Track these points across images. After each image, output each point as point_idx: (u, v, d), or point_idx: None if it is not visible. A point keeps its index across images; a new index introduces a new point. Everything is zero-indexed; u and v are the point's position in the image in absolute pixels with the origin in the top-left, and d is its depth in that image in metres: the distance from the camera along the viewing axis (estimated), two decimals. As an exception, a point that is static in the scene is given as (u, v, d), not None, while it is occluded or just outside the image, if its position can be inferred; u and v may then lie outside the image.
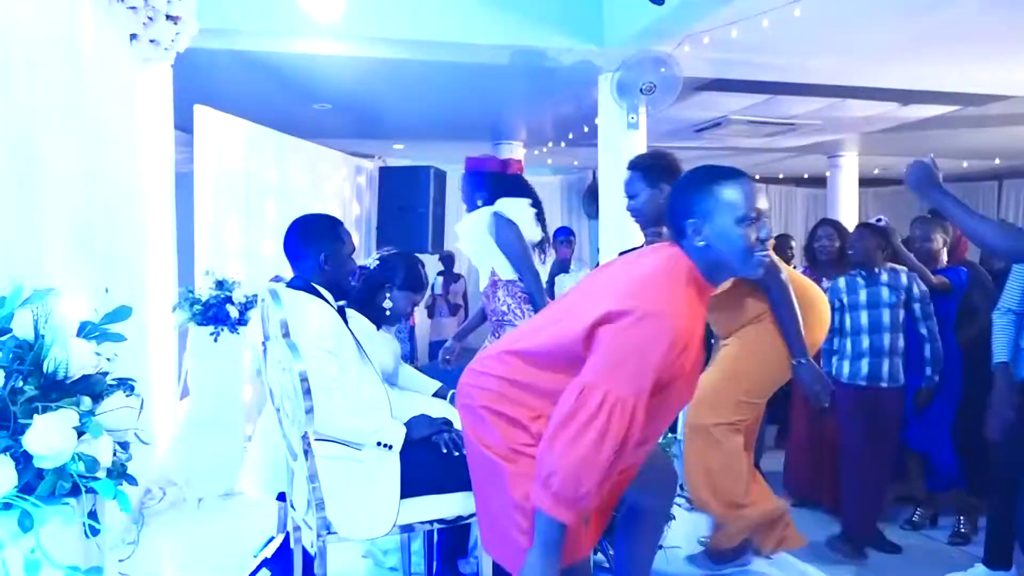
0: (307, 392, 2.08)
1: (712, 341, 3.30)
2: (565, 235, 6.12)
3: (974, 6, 4.55)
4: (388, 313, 2.83)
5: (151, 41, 3.45)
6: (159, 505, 3.67)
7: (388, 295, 2.83)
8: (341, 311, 2.48)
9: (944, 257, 3.86)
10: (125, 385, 1.56)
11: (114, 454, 1.44)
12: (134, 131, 3.56)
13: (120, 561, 2.97)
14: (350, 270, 2.52)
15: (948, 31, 4.99)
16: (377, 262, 2.95)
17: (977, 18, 4.74)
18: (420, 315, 7.93)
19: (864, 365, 3.53)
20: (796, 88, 6.05)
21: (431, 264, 8.37)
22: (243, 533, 3.26)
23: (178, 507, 3.76)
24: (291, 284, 2.44)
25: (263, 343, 2.35)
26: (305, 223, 2.51)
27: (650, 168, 2.95)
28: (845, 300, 3.62)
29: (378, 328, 2.80)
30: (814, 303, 2.92)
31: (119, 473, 1.44)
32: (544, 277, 3.71)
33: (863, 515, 3.48)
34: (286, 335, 2.14)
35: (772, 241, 4.36)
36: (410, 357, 7.29)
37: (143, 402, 1.60)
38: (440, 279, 8.43)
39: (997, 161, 9.79)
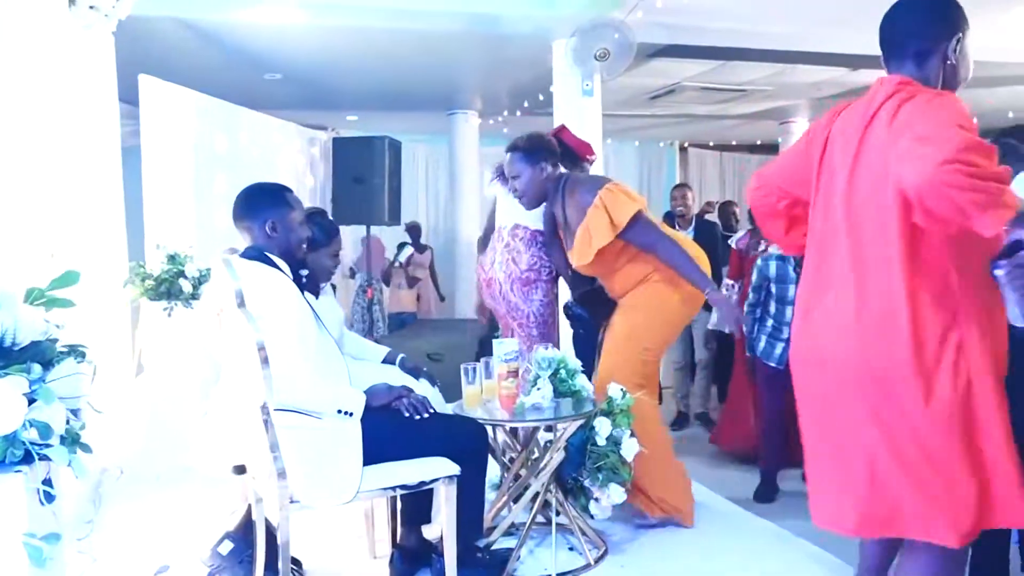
0: (265, 361, 2.07)
1: None
2: None
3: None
4: (305, 281, 2.75)
5: (90, 7, 3.33)
6: (116, 483, 3.62)
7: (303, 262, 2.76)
8: (297, 281, 2.45)
9: None
10: (76, 352, 1.52)
11: (67, 421, 1.41)
12: (76, 101, 3.45)
13: (78, 540, 2.93)
14: (301, 237, 2.47)
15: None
16: None
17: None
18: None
19: (779, 349, 3.79)
20: (747, 54, 6.10)
21: (394, 234, 8.31)
22: (203, 508, 3.24)
23: (136, 485, 3.71)
24: (245, 254, 2.40)
25: (218, 314, 2.32)
26: (251, 191, 2.45)
27: (530, 148, 3.02)
28: (774, 290, 3.87)
29: (316, 297, 2.76)
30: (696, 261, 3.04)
31: (73, 440, 1.42)
32: None
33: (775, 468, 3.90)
34: (241, 305, 2.11)
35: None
36: (369, 331, 7.25)
37: (96, 368, 1.57)
38: (409, 249, 8.34)
39: (943, 126, 10.02)
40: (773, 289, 3.85)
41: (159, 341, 3.93)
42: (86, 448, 1.47)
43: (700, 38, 5.64)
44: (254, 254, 2.38)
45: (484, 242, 3.80)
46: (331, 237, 2.85)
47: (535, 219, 3.34)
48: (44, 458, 1.36)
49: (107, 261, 3.77)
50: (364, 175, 6.11)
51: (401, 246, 8.21)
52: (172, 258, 3.87)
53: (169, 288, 3.79)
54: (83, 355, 1.56)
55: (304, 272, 2.70)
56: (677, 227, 5.22)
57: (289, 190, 2.50)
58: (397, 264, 8.09)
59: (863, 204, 1.72)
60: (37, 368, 1.40)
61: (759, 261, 3.94)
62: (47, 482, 1.40)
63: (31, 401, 1.37)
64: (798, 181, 1.93)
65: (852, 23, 5.63)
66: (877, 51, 5.94)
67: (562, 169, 3.14)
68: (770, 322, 3.86)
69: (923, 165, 1.47)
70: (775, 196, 2.01)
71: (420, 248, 8.55)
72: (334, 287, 2.92)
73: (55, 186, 3.19)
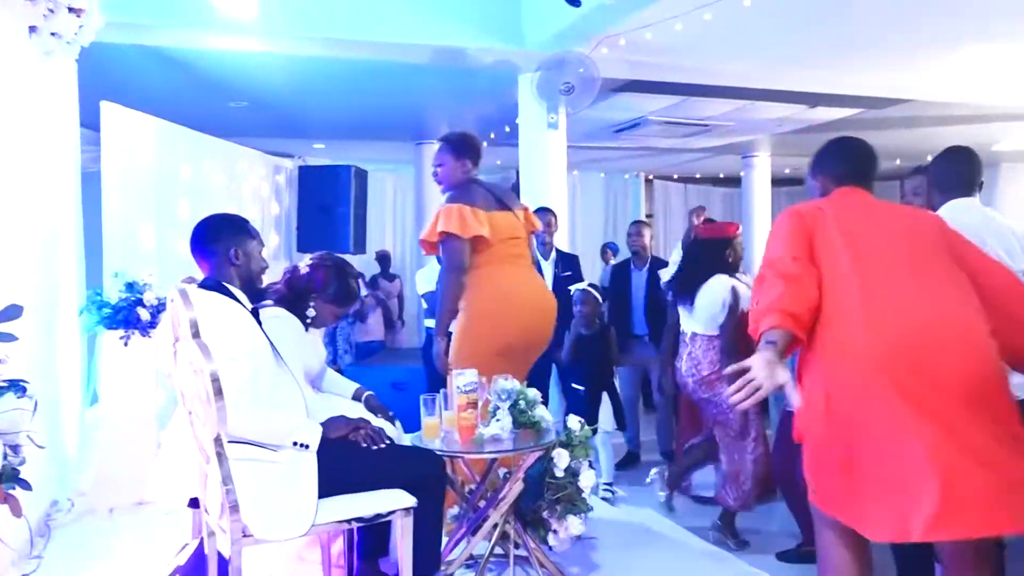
0: (219, 393, 2.05)
1: None
2: None
3: (874, 17, 4.80)
4: (309, 321, 2.78)
5: (52, 34, 3.31)
6: (67, 516, 3.53)
7: (311, 304, 2.78)
8: (255, 312, 2.44)
9: None
10: (16, 386, 1.49)
11: (4, 457, 1.38)
12: (36, 127, 3.41)
13: (24, 576, 2.85)
14: (263, 267, 2.49)
15: (851, 39, 5.24)
16: (308, 268, 2.87)
17: (877, 28, 4.99)
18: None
19: None
20: (709, 90, 6.23)
21: (359, 263, 8.29)
22: (156, 542, 3.17)
23: (88, 518, 3.62)
24: (203, 284, 2.39)
25: (173, 344, 2.29)
26: (211, 221, 2.48)
27: (458, 144, 3.40)
28: None
29: (307, 330, 2.76)
30: (508, 299, 3.30)
31: (10, 477, 1.38)
32: None
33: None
34: (196, 335, 2.09)
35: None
36: (333, 360, 7.19)
37: (36, 404, 1.54)
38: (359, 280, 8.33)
39: (898, 162, 10.28)
40: None
41: (115, 370, 3.86)
42: (25, 485, 1.44)
43: (663, 74, 5.76)
44: (212, 284, 2.37)
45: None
46: (348, 302, 2.93)
47: (707, 325, 3.63)
48: (-22, 495, 1.33)
49: (63, 289, 3.71)
50: (329, 204, 6.12)
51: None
52: (130, 286, 3.81)
53: (126, 316, 3.73)
54: (23, 389, 1.53)
55: (310, 315, 2.74)
56: (633, 267, 5.22)
57: (248, 221, 2.52)
58: (363, 295, 8.08)
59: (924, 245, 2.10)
60: (-25, 403, 1.38)
61: None
62: (-19, 520, 1.36)
63: (-32, 437, 1.34)
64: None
65: (809, 63, 5.82)
66: (833, 90, 6.11)
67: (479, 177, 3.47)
68: None
69: None
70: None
71: (389, 277, 8.58)
72: None
73: (11, 211, 3.15)
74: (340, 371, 5.21)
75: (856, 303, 1.98)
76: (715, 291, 3.60)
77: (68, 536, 3.37)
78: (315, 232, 6.16)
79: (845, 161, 2.36)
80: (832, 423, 1.96)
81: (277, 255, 6.14)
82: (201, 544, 2.47)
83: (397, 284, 8.64)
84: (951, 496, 1.77)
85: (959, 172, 2.75)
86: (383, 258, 8.66)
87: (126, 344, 3.76)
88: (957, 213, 2.59)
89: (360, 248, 6.57)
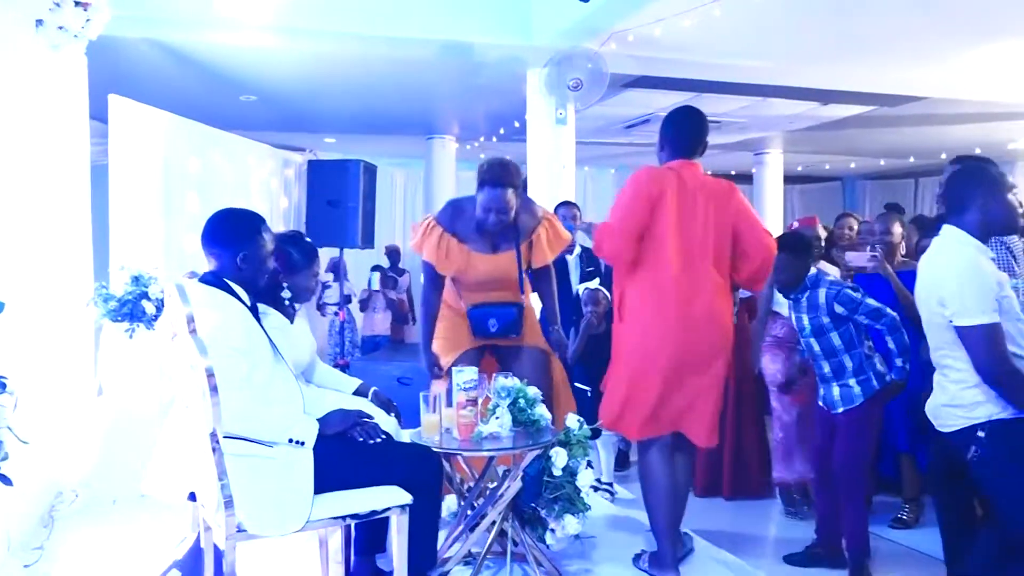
0: (214, 389, 2.05)
1: None
2: None
3: (886, 13, 4.74)
4: (288, 303, 2.73)
5: (59, 28, 3.33)
6: (72, 507, 3.56)
7: (284, 285, 2.73)
8: (254, 308, 2.44)
9: (903, 249, 3.80)
10: (-4, 382, 1.50)
11: (-17, 453, 1.38)
12: (45, 120, 3.43)
13: (25, 567, 2.88)
14: (268, 271, 2.46)
15: (862, 35, 5.18)
16: None
17: (891, 22, 4.93)
18: (353, 311, 7.85)
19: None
20: (720, 86, 6.19)
21: (368, 258, 8.31)
22: (157, 534, 3.19)
23: (92, 509, 3.65)
24: (203, 279, 2.38)
25: (172, 338, 2.29)
26: (227, 218, 2.42)
27: (523, 183, 3.39)
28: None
29: (292, 322, 2.74)
30: None
31: (-12, 473, 1.39)
32: None
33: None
34: (193, 331, 2.09)
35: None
36: (341, 354, 7.20)
37: (17, 400, 1.54)
38: (377, 274, 8.35)
39: (912, 160, 10.18)
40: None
41: (119, 363, 3.88)
42: (6, 480, 1.44)
43: (673, 70, 5.72)
44: (211, 279, 2.36)
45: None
46: (311, 260, 2.80)
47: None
48: (-46, 492, 1.33)
49: (72, 281, 3.73)
50: (338, 198, 6.09)
51: (374, 270, 8.22)
52: (136, 279, 3.82)
53: (132, 309, 3.75)
54: (3, 386, 1.53)
55: (286, 296, 2.68)
56: None
57: (264, 222, 2.46)
58: (375, 290, 8.10)
59: (712, 238, 2.78)
60: (-47, 400, 1.38)
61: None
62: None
63: (-55, 433, 1.34)
64: (644, 225, 2.78)
65: (821, 59, 5.77)
66: (846, 86, 6.04)
67: None
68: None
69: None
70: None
71: (399, 272, 8.59)
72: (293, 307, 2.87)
73: (20, 204, 3.17)
74: (347, 366, 5.19)
75: (663, 285, 2.75)
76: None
77: (72, 527, 3.40)
78: (324, 226, 6.14)
79: (680, 135, 2.93)
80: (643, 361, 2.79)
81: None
82: (199, 538, 2.48)
83: (406, 279, 8.65)
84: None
85: (941, 197, 2.66)
86: (392, 253, 8.69)
87: (131, 337, 3.78)
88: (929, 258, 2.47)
89: (369, 243, 6.55)
